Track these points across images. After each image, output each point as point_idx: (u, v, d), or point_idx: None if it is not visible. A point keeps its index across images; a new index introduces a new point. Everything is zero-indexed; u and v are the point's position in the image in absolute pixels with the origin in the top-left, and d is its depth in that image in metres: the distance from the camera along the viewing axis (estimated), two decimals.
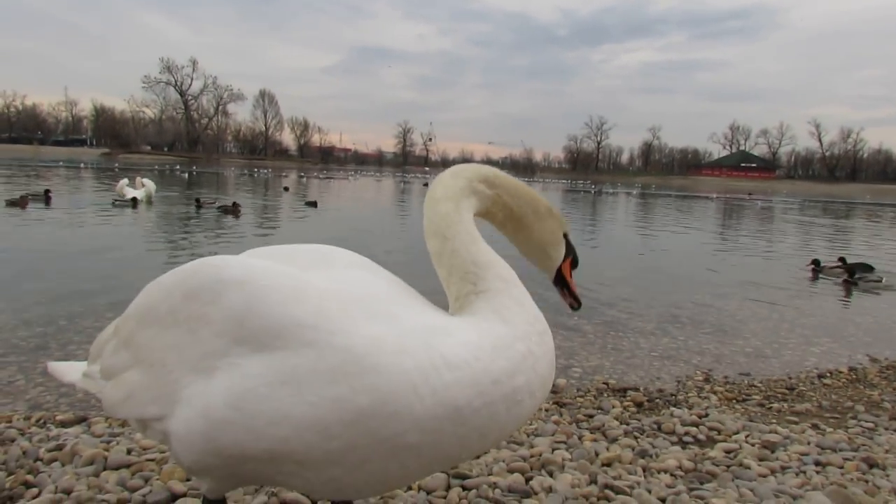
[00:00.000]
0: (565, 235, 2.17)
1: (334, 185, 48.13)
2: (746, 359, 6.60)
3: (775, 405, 4.94)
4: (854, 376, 6.01)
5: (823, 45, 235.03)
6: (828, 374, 6.05)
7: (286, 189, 35.93)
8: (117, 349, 1.89)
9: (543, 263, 2.19)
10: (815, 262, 13.13)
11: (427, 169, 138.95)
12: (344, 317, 1.56)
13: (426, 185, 54.17)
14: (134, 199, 21.45)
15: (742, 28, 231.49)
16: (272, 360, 1.52)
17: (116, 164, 66.14)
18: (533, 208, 2.08)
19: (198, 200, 21.50)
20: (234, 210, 19.86)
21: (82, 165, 58.74)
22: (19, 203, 18.59)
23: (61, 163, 61.06)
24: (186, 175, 50.90)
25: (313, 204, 24.21)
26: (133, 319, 1.84)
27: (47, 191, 20.92)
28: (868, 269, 12.60)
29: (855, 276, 11.75)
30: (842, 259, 12.83)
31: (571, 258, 2.19)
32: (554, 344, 1.78)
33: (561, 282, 2.18)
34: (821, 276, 12.55)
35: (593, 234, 19.75)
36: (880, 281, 11.61)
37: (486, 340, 1.59)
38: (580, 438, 3.74)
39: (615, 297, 9.37)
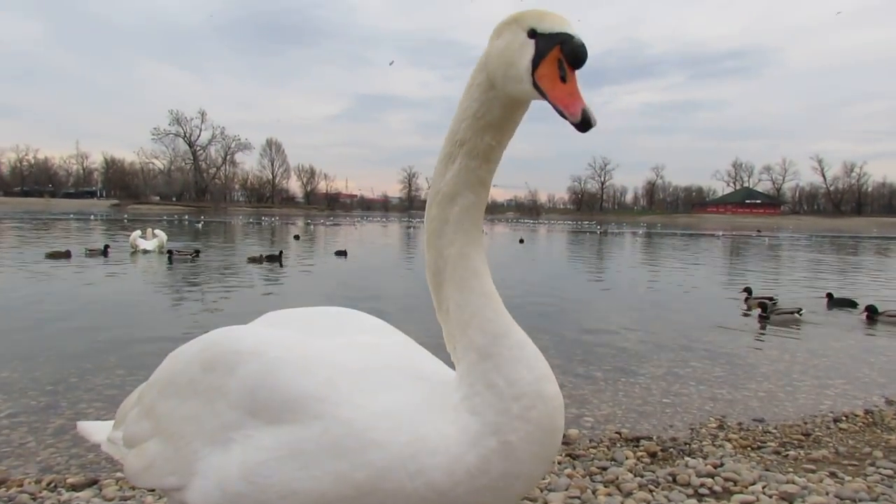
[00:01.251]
0: (533, 32, 1.46)
1: (345, 231, 48.44)
2: (760, 403, 6.52)
3: (791, 452, 4.87)
4: (871, 419, 5.92)
5: (820, 82, 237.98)
6: (843, 418, 5.96)
7: (297, 237, 36.01)
8: (140, 417, 1.97)
9: (517, 87, 1.50)
10: (748, 290, 13.80)
11: None
12: (351, 389, 1.59)
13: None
14: (149, 250, 22.16)
15: (739, 68, 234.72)
16: (282, 433, 1.56)
17: (126, 215, 67.00)
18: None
19: (260, 257, 21.05)
20: (279, 258, 20.56)
21: (92, 217, 59.46)
22: (62, 255, 19.37)
23: (72, 215, 61.87)
24: (199, 225, 51.38)
25: (343, 253, 23.59)
26: (155, 389, 1.93)
27: (106, 246, 21.73)
28: (852, 304, 13.12)
29: (768, 310, 11.68)
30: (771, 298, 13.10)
31: (559, 47, 1.43)
32: (554, 407, 1.58)
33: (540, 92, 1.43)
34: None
35: (601, 275, 19.74)
36: (793, 314, 11.80)
37: (458, 432, 1.51)
38: (594, 493, 3.70)
39: (625, 341, 9.33)
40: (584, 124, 1.37)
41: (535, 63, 1.44)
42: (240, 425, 1.61)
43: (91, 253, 20.23)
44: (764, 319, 11.17)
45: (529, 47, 1.46)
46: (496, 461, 1.47)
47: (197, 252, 21.52)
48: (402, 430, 1.50)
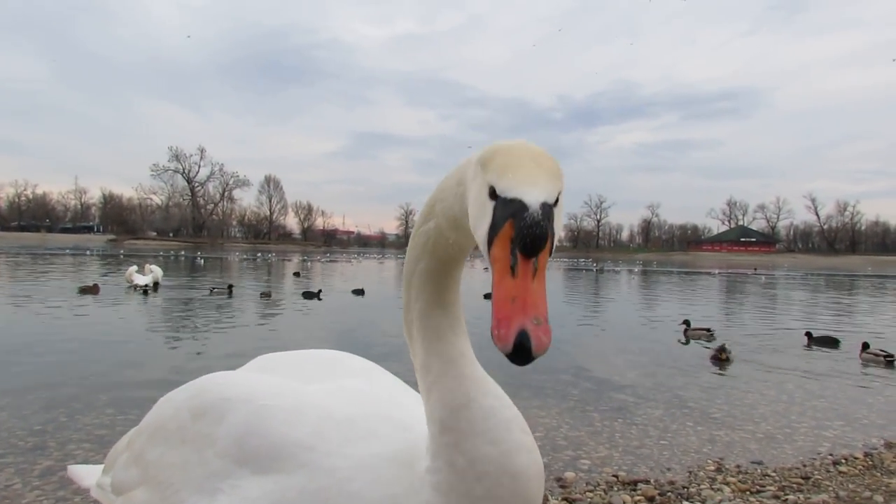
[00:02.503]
0: (492, 191, 1.15)
1: (343, 268, 48.41)
2: (758, 445, 6.45)
3: (791, 497, 4.81)
4: (870, 462, 5.85)
5: (811, 123, 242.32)
6: (843, 461, 5.89)
7: (296, 274, 35.83)
8: (128, 464, 1.95)
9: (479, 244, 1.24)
10: (686, 322, 14.70)
11: None
12: (337, 438, 1.58)
13: None
14: (144, 285, 22.09)
15: (731, 108, 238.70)
16: (268, 483, 1.54)
17: (122, 251, 66.91)
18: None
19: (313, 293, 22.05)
20: (317, 294, 21.48)
21: (88, 252, 59.39)
22: (91, 290, 20.03)
23: (68, 250, 61.80)
24: (202, 261, 51.35)
25: (361, 292, 23.44)
26: (144, 435, 1.91)
27: (156, 283, 22.61)
28: (833, 343, 13.44)
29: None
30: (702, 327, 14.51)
31: (511, 221, 1.09)
32: (526, 483, 1.40)
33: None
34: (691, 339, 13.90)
35: (597, 314, 19.69)
36: (710, 331, 13.82)
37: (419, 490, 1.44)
38: None
39: (622, 381, 9.26)
40: (518, 353, 1.02)
41: (490, 238, 1.13)
42: (227, 474, 1.59)
43: (84, 290, 20.25)
44: (721, 361, 10.98)
45: (489, 212, 1.15)
46: None
47: (230, 287, 22.03)
48: (380, 485, 1.47)
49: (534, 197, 1.10)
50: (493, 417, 1.40)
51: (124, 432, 5.88)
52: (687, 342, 13.53)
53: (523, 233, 1.07)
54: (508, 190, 1.12)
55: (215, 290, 22.21)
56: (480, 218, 1.17)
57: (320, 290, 22.12)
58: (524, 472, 1.38)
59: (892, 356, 11.57)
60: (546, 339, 1.02)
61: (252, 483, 1.55)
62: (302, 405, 1.66)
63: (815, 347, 13.20)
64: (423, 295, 1.50)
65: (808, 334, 13.94)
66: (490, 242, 1.12)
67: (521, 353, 1.01)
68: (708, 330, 14.13)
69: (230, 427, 1.63)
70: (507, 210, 1.10)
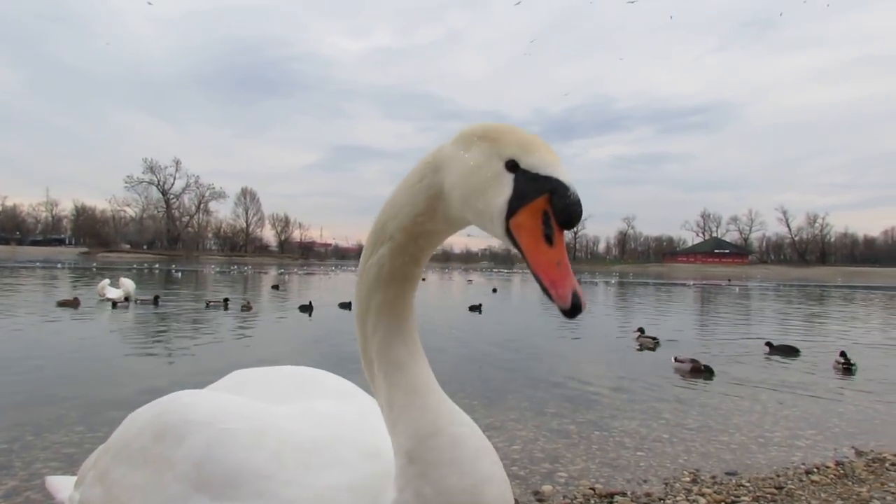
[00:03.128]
0: (513, 164, 1.24)
1: (324, 281, 48.08)
2: (733, 455, 6.51)
3: None
4: (841, 471, 5.94)
5: (781, 137, 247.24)
6: (815, 470, 5.97)
7: (275, 287, 35.34)
8: (94, 482, 1.90)
9: (484, 226, 1.33)
10: (641, 330, 15.92)
11: None
12: (298, 465, 1.53)
13: (423, 279, 54.20)
14: (114, 299, 21.90)
15: (703, 122, 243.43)
16: None
17: (95, 264, 65.81)
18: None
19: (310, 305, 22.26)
20: (309, 308, 21.60)
21: (59, 265, 58.26)
22: (72, 303, 20.14)
23: (38, 263, 60.56)
24: (180, 274, 50.62)
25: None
26: (110, 453, 1.86)
27: (157, 297, 22.73)
28: (794, 352, 13.78)
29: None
30: (640, 328, 16.09)
31: (548, 196, 1.20)
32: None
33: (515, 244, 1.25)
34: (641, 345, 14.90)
35: (573, 326, 19.78)
36: (654, 339, 15.05)
37: None
38: None
39: (599, 393, 9.31)
40: (574, 310, 1.15)
41: (513, 207, 1.21)
42: (184, 500, 1.53)
43: (63, 304, 20.19)
44: (699, 372, 10.99)
45: (506, 183, 1.22)
46: None
47: (226, 301, 22.14)
48: None
49: (570, 178, 1.22)
50: (462, 446, 1.39)
51: (94, 450, 5.75)
52: (641, 348, 14.53)
53: (569, 209, 1.19)
54: (542, 167, 1.22)
55: (211, 303, 22.10)
56: (491, 188, 1.24)
57: (311, 303, 22.09)
58: (494, 500, 1.37)
59: (850, 364, 11.92)
60: (586, 297, 1.19)
61: None
62: (265, 428, 1.61)
63: (775, 357, 13.46)
64: (380, 329, 1.49)
65: (769, 344, 14.27)
66: (513, 211, 1.21)
67: (576, 308, 1.15)
68: (654, 338, 15.24)
69: (189, 450, 1.58)
70: (542, 185, 1.20)
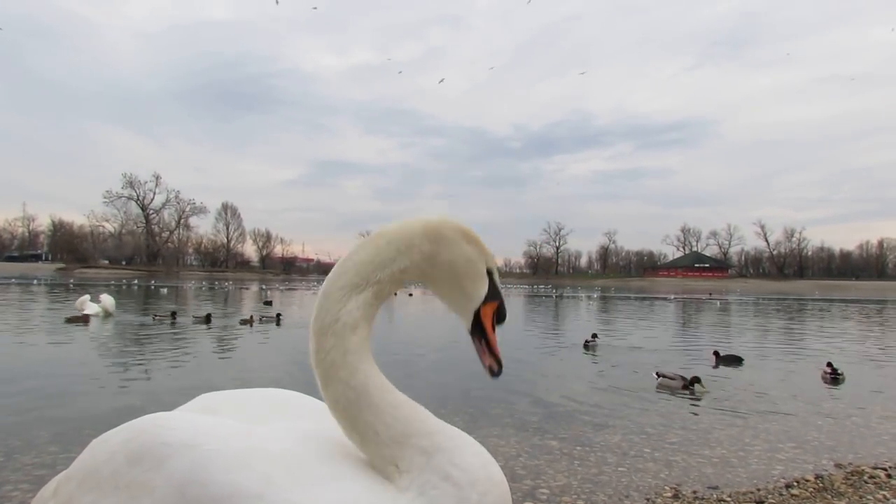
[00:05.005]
0: (489, 272, 1.83)
1: (310, 297, 47.74)
2: (714, 469, 6.52)
3: None
4: (821, 484, 5.97)
5: (757, 153, 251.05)
6: (795, 484, 5.99)
7: (268, 303, 34.83)
8: None
9: (456, 303, 1.84)
10: (594, 335, 17.43)
11: None
12: (289, 484, 1.50)
13: (410, 294, 54.01)
14: (93, 314, 21.79)
15: (681, 139, 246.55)
16: None
17: (72, 280, 64.81)
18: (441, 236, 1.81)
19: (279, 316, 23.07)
20: (277, 320, 22.24)
21: (35, 282, 57.33)
22: (82, 320, 20.56)
23: (13, 279, 59.54)
24: (164, 290, 49.94)
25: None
26: (74, 481, 1.74)
27: (209, 316, 22.38)
28: (738, 361, 14.27)
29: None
30: (594, 334, 17.65)
31: (497, 305, 1.82)
32: (504, 490, 1.66)
33: (479, 331, 1.80)
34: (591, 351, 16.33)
35: (555, 340, 19.82)
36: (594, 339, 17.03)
37: None
38: None
39: (581, 408, 9.29)
40: (500, 373, 1.79)
41: (485, 300, 1.81)
42: None
43: (72, 320, 20.54)
44: (687, 388, 10.89)
45: (485, 282, 1.81)
46: None
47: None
48: None
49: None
50: (465, 436, 1.70)
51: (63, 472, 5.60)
52: (587, 350, 16.51)
53: (503, 317, 1.86)
54: (497, 283, 1.87)
55: (247, 320, 22.18)
56: (476, 281, 1.80)
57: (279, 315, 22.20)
58: (502, 482, 1.65)
59: (838, 374, 12.17)
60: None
61: None
62: (249, 449, 1.58)
63: (721, 367, 13.76)
64: (362, 363, 1.68)
65: (716, 353, 14.62)
66: (484, 303, 1.81)
67: (501, 372, 1.79)
68: (595, 335, 17.45)
69: (170, 474, 1.52)
70: (497, 295, 1.84)
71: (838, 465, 6.72)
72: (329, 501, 1.50)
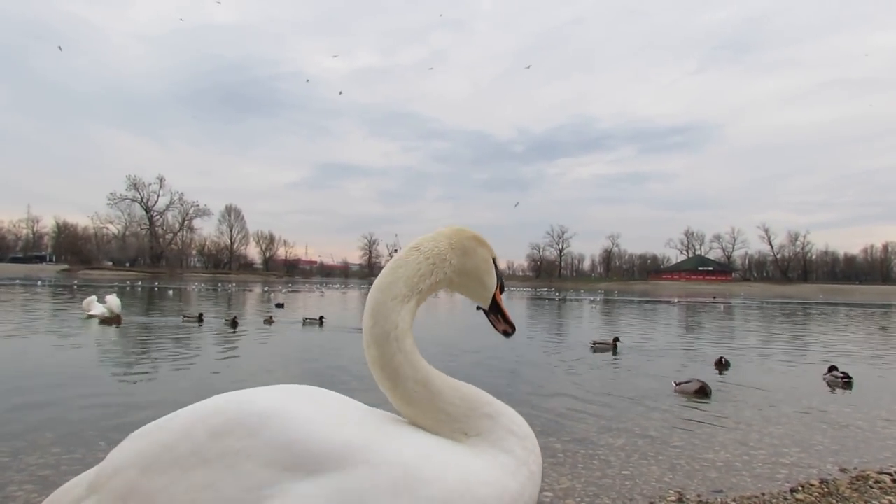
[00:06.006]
0: (493, 260, 2.24)
1: (322, 298, 47.74)
2: (718, 473, 6.50)
3: None
4: (826, 489, 5.95)
5: (761, 156, 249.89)
6: (800, 488, 5.97)
7: (280, 306, 34.83)
8: (112, 501, 1.79)
9: (478, 295, 2.24)
10: (616, 339, 17.81)
11: None
12: (385, 436, 1.76)
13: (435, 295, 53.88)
14: (97, 315, 22.08)
15: (684, 143, 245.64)
16: (329, 482, 1.59)
17: (76, 282, 64.93)
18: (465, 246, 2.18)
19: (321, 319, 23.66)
20: (320, 321, 23.09)
21: (40, 283, 57.49)
22: (115, 321, 21.32)
23: (18, 280, 59.71)
24: (171, 292, 50.01)
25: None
26: (132, 470, 1.78)
27: (236, 318, 22.59)
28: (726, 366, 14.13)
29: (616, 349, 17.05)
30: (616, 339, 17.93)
31: (500, 283, 2.26)
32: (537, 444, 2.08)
33: (495, 308, 2.26)
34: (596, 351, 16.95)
35: (559, 342, 19.79)
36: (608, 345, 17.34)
37: (499, 467, 1.84)
38: None
39: (584, 411, 9.28)
40: (513, 333, 2.28)
41: (498, 286, 2.25)
42: (274, 481, 1.60)
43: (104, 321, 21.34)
44: (704, 394, 10.69)
45: (494, 273, 2.22)
46: (528, 486, 1.89)
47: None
48: (451, 468, 1.73)
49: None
50: (505, 405, 2.11)
51: (71, 471, 5.63)
52: (595, 350, 17.12)
53: (503, 288, 2.30)
54: (497, 266, 2.27)
55: (269, 319, 23.57)
56: (491, 273, 2.21)
57: (321, 318, 22.80)
58: (535, 442, 2.08)
59: (848, 377, 12.14)
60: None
61: (307, 484, 1.60)
62: (332, 414, 1.80)
63: (724, 371, 13.67)
64: (420, 362, 1.99)
65: (720, 360, 14.46)
66: (498, 289, 2.25)
67: (513, 332, 2.28)
68: (607, 343, 17.58)
69: (270, 437, 1.66)
70: (500, 278, 2.27)
71: (843, 470, 6.70)
72: (425, 448, 1.77)
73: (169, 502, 1.68)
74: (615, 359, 15.63)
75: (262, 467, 1.63)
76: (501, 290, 2.28)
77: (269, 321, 23.29)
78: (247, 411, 1.74)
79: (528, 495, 1.89)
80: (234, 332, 19.55)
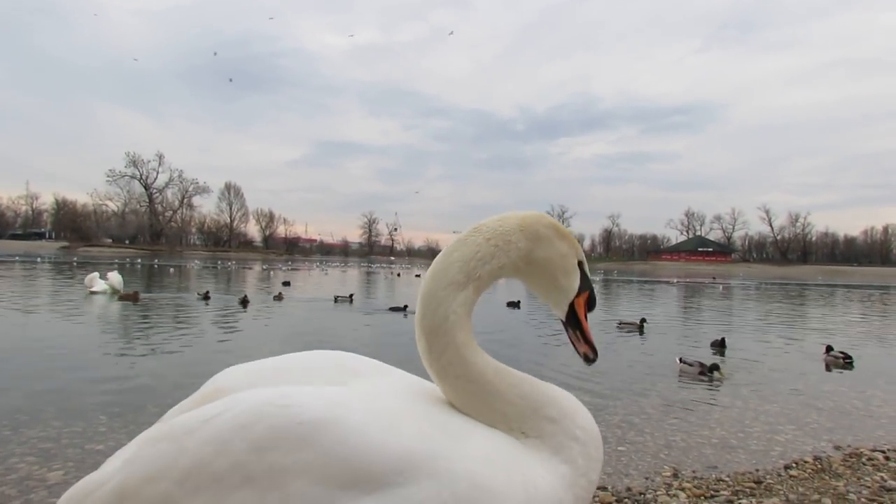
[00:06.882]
0: (580, 264, 1.94)
1: (324, 277, 47.86)
2: (713, 450, 6.57)
3: (744, 501, 4.90)
4: (819, 466, 6.01)
5: (763, 137, 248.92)
6: (794, 465, 6.04)
7: (286, 283, 34.62)
8: None
9: (552, 297, 1.96)
10: (643, 320, 18.05)
11: (392, 258, 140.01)
12: (444, 438, 1.59)
13: (418, 275, 53.92)
14: (101, 291, 22.43)
15: (687, 123, 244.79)
16: (394, 498, 1.44)
17: (75, 258, 64.95)
18: (537, 233, 1.89)
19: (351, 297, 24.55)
20: (348, 298, 24.02)
21: (39, 260, 57.53)
22: (132, 297, 21.11)
23: (17, 257, 59.72)
24: (172, 269, 50.03)
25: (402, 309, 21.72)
26: (167, 482, 1.52)
27: (246, 297, 22.24)
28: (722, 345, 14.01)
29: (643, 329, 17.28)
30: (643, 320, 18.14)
31: (588, 294, 1.94)
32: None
33: (573, 322, 1.95)
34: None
35: (556, 323, 19.81)
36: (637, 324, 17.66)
37: (558, 478, 1.71)
38: None
39: (581, 388, 9.34)
40: (595, 359, 1.94)
41: (578, 291, 1.93)
42: (330, 501, 1.43)
43: (123, 298, 21.27)
44: (705, 376, 10.60)
45: (577, 275, 1.93)
46: (584, 495, 1.76)
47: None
48: (514, 477, 1.60)
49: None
50: (573, 400, 1.89)
51: (71, 444, 5.66)
52: (620, 328, 17.48)
53: (594, 304, 1.98)
54: (587, 273, 1.98)
55: (278, 295, 24.28)
56: (570, 275, 1.91)
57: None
58: (599, 445, 1.86)
59: (850, 357, 12.33)
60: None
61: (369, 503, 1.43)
62: (386, 412, 1.59)
63: (720, 352, 13.67)
64: (477, 352, 1.79)
65: (719, 341, 14.32)
66: (577, 294, 1.93)
67: (596, 359, 1.95)
68: (631, 323, 17.90)
69: (323, 450, 1.45)
70: (587, 285, 1.95)
71: (837, 448, 6.77)
72: (486, 450, 1.62)
73: None
74: (610, 337, 15.69)
75: (314, 485, 1.43)
76: (591, 304, 1.95)
77: (278, 297, 24.02)
78: (292, 420, 1.49)
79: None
80: (245, 311, 19.62)
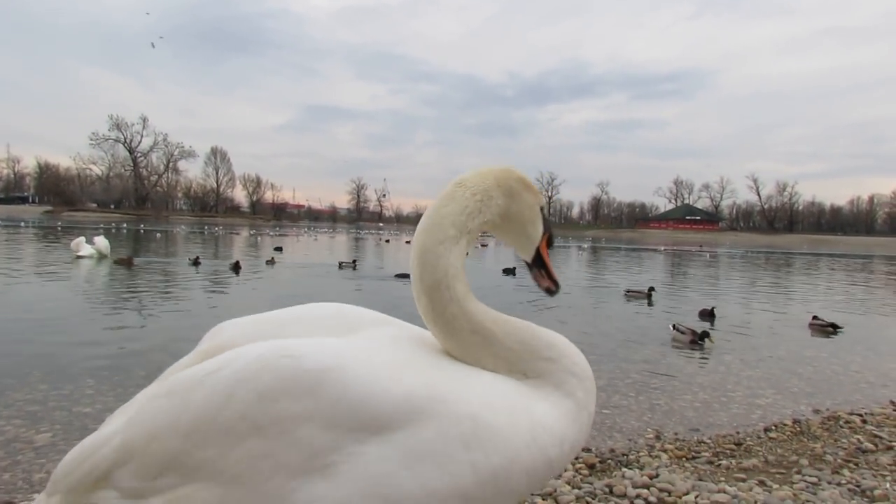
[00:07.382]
0: (541, 210, 2.03)
1: (315, 242, 47.68)
2: (695, 413, 6.70)
3: (724, 462, 5.01)
4: (798, 428, 6.15)
5: (753, 106, 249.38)
6: (773, 428, 6.18)
7: (278, 249, 34.53)
8: (152, 473, 1.56)
9: (521, 245, 2.06)
10: (651, 289, 17.96)
11: (381, 224, 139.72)
12: (449, 383, 1.64)
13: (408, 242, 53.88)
14: (87, 256, 22.26)
15: (677, 90, 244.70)
16: (398, 441, 1.49)
17: (59, 223, 64.28)
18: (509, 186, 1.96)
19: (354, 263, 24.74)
20: (352, 264, 24.47)
21: (23, 224, 56.88)
22: (126, 262, 21.32)
23: (0, 221, 58.98)
24: (158, 234, 49.61)
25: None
26: (173, 437, 1.54)
27: (238, 263, 21.88)
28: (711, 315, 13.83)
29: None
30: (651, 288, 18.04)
31: (547, 235, 2.05)
32: None
33: (539, 262, 2.05)
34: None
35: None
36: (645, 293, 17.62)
37: (562, 412, 1.77)
38: None
39: None
40: (557, 291, 2.07)
41: (542, 235, 2.03)
42: (338, 446, 1.46)
43: (119, 262, 21.39)
44: (696, 344, 10.63)
45: (541, 221, 2.02)
46: (586, 428, 1.85)
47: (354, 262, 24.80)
48: (518, 415, 1.65)
49: None
50: (568, 342, 1.96)
51: (58, 407, 5.63)
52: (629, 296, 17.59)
53: (552, 243, 2.11)
54: (546, 217, 2.07)
55: (271, 259, 24.87)
56: (536, 222, 2.01)
57: (355, 261, 23.91)
58: (592, 380, 1.95)
59: (835, 325, 12.61)
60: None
61: (376, 446, 1.48)
62: (393, 361, 1.65)
63: (705, 320, 13.74)
64: (477, 305, 1.84)
65: (708, 311, 14.09)
66: (541, 238, 2.03)
67: (557, 290, 2.07)
68: (639, 292, 17.86)
69: (333, 398, 1.49)
70: (547, 227, 2.05)
71: (816, 411, 6.92)
72: (489, 393, 1.66)
73: (221, 471, 1.50)
74: (597, 305, 15.82)
75: (323, 431, 1.47)
76: (550, 243, 2.08)
77: (270, 262, 24.47)
78: (298, 370, 1.51)
79: (583, 440, 1.86)
80: (239, 276, 19.54)
